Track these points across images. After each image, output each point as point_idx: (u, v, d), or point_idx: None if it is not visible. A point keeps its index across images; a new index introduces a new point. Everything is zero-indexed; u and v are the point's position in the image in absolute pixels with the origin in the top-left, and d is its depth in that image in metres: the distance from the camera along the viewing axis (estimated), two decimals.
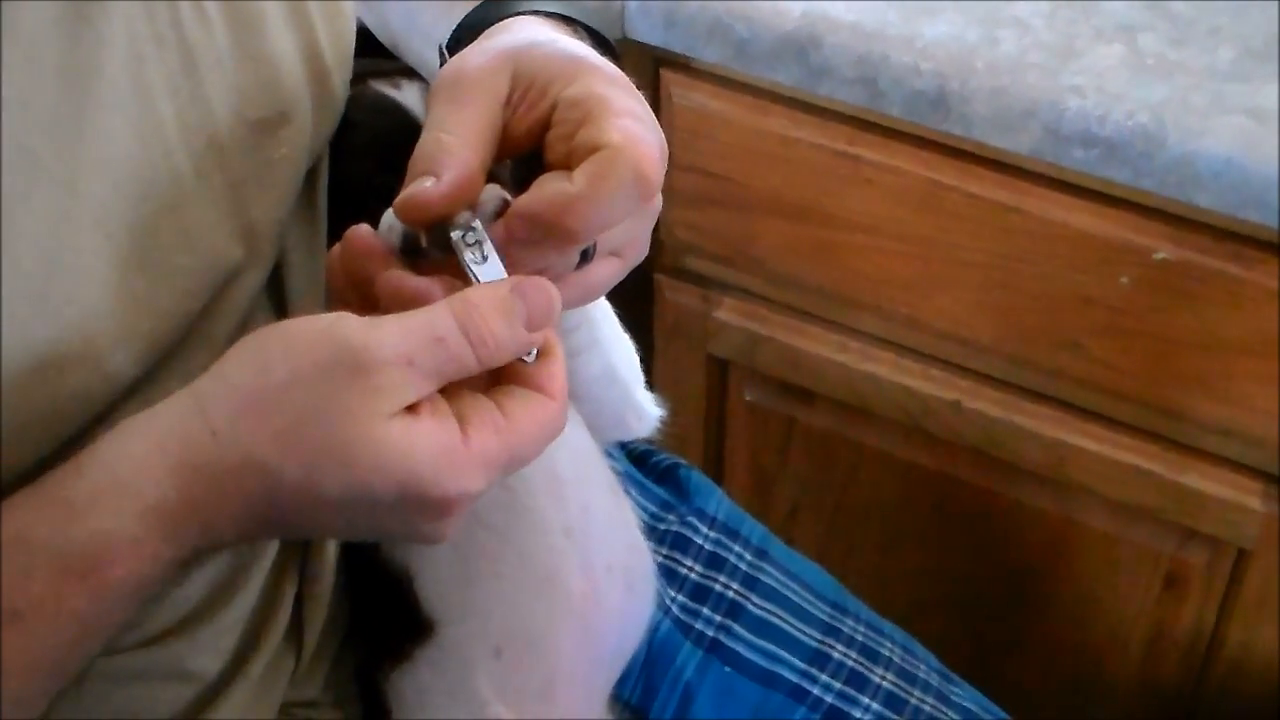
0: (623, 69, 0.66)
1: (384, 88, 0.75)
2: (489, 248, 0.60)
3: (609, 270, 0.66)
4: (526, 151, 0.63)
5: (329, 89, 0.70)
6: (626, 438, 0.83)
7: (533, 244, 0.60)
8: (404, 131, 0.70)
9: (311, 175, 0.72)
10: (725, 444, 1.34)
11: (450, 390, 0.57)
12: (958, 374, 1.19)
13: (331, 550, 0.76)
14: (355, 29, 0.74)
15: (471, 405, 0.57)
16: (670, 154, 1.17)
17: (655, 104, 1.17)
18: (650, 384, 1.32)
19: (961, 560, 1.30)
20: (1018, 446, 1.18)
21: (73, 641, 0.57)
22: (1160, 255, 1.04)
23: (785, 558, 0.92)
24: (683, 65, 1.15)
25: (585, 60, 0.64)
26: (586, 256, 0.63)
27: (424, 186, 0.59)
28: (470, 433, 0.56)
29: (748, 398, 1.30)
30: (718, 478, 1.33)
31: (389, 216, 0.62)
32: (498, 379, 0.59)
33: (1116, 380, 1.12)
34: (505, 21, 0.69)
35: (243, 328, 0.68)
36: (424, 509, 0.57)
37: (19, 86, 0.56)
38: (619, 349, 0.79)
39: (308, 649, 0.76)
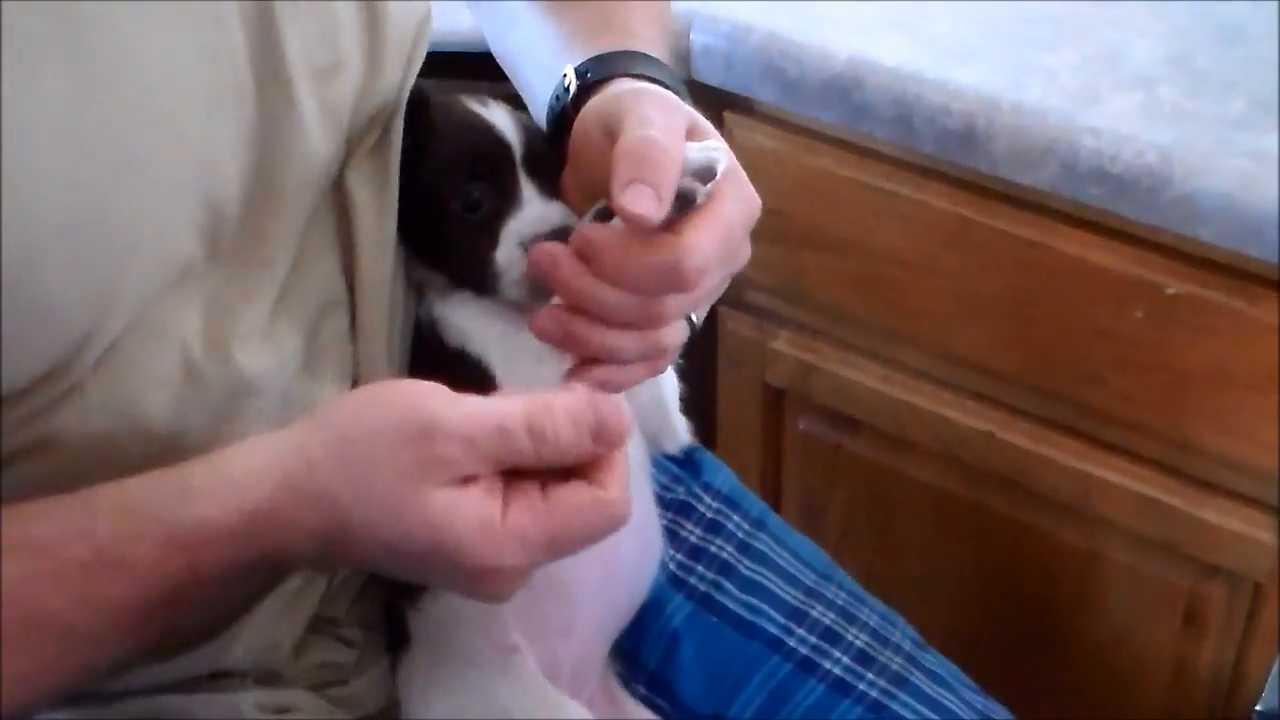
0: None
1: (473, 105, 0.84)
2: None
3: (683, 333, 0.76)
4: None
5: (380, 59, 0.79)
6: (655, 453, 0.91)
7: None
8: (488, 146, 0.81)
9: (382, 140, 0.81)
10: (782, 471, 1.42)
11: (515, 473, 0.66)
12: (990, 406, 1.26)
13: None
14: (425, 19, 0.83)
15: (518, 486, 0.66)
16: None
17: None
18: (712, 412, 1.42)
19: (995, 592, 1.35)
20: (1047, 478, 1.25)
21: (162, 603, 0.67)
22: (1171, 290, 1.11)
23: (780, 530, 1.00)
24: (744, 107, 1.25)
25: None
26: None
27: (648, 205, 0.67)
28: (509, 511, 0.65)
29: (801, 427, 1.38)
30: (775, 503, 1.41)
31: (512, 249, 0.77)
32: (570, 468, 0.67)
33: (1136, 413, 1.18)
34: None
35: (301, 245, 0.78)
36: (461, 573, 0.66)
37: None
38: (668, 379, 0.88)
39: (340, 571, 0.86)
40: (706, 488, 1.01)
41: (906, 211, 1.20)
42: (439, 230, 0.82)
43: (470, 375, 0.82)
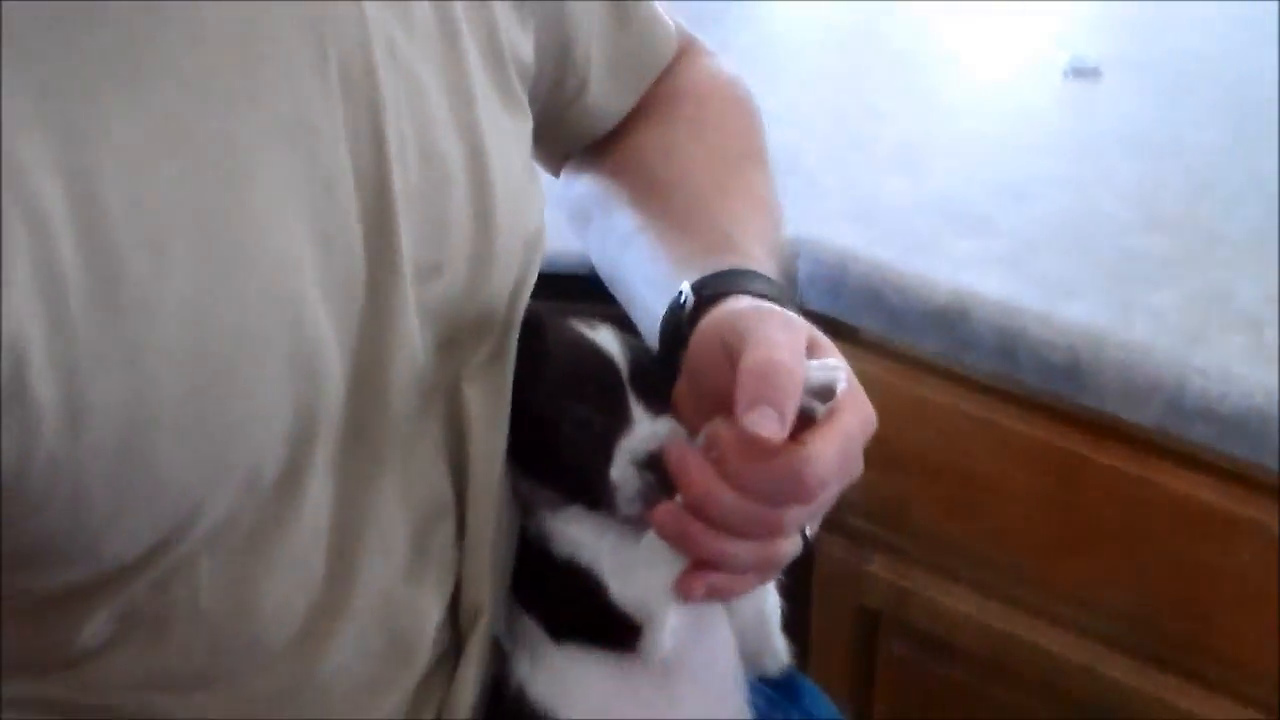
0: None
1: (582, 327, 0.86)
2: None
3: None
4: None
5: (486, 268, 0.81)
6: (755, 674, 0.91)
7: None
8: (596, 368, 0.84)
9: (498, 354, 0.83)
10: (874, 696, 1.40)
11: None
12: (1091, 638, 1.24)
13: (469, 691, 0.86)
14: (536, 235, 0.86)
15: None
16: None
17: None
18: (804, 634, 1.41)
19: None
20: (1148, 716, 1.23)
21: None
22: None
23: None
24: (849, 335, 1.27)
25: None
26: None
27: (771, 426, 0.69)
28: None
29: (895, 651, 1.37)
30: None
31: (626, 467, 0.79)
32: None
33: (1241, 654, 1.16)
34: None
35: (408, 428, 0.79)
36: None
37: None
38: (771, 596, 0.89)
39: None
40: (808, 718, 1.00)
41: (1008, 442, 1.21)
42: (551, 449, 0.84)
43: (579, 585, 0.83)
